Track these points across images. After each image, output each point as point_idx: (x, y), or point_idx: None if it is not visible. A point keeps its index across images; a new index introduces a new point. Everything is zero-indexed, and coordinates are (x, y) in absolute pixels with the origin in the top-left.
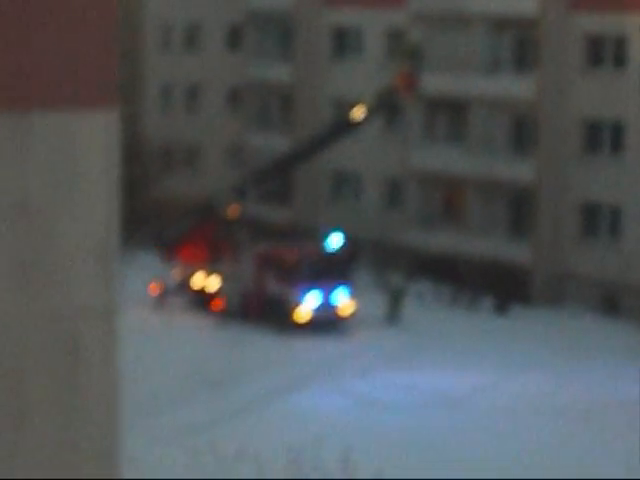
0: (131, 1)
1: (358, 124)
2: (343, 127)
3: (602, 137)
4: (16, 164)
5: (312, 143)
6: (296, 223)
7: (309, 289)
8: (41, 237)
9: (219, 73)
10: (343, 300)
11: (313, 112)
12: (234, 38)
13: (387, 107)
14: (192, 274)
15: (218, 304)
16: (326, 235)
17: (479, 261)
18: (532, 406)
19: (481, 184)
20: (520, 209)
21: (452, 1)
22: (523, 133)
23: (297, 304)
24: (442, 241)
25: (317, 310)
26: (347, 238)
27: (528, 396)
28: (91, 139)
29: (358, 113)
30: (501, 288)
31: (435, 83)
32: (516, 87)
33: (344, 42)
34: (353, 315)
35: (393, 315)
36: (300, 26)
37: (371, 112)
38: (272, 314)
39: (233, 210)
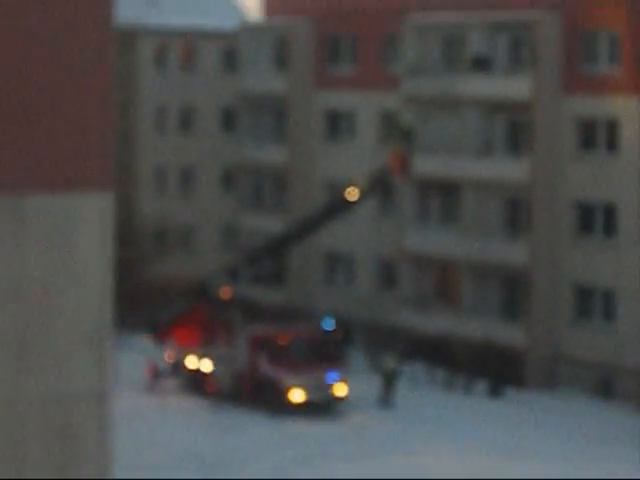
0: (127, 84)
1: (351, 205)
2: (336, 208)
3: (595, 219)
4: (11, 248)
5: (305, 224)
6: (289, 305)
7: (302, 371)
8: (35, 320)
9: (213, 155)
10: (336, 382)
11: (306, 194)
12: (228, 120)
13: (380, 188)
14: (185, 356)
15: (211, 386)
16: (320, 319)
17: (473, 343)
18: None
19: (475, 266)
20: (514, 291)
21: (444, 84)
22: (516, 215)
23: (290, 386)
24: (436, 323)
25: (310, 392)
26: (340, 320)
27: None
28: (86, 222)
29: (351, 194)
30: (495, 371)
31: (428, 165)
32: (509, 170)
33: (337, 124)
34: (347, 397)
35: (386, 398)
36: (293, 108)
37: (364, 193)
38: (265, 396)
39: (226, 292)
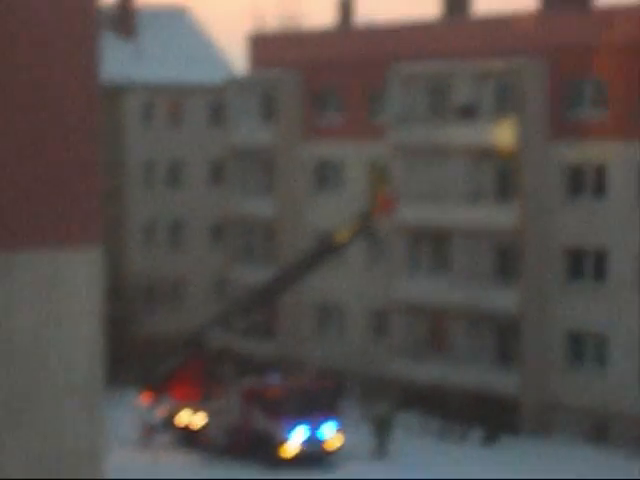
0: (115, 139)
1: (339, 248)
2: (324, 251)
3: (585, 265)
4: (1, 303)
5: (294, 269)
6: (282, 356)
7: (296, 423)
8: (27, 377)
9: (202, 208)
10: (330, 434)
11: (296, 244)
12: (216, 173)
13: (367, 229)
14: (178, 411)
15: (205, 441)
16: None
17: (466, 391)
18: None
19: (466, 313)
20: (506, 338)
21: (431, 132)
22: (507, 262)
23: (284, 439)
24: (429, 371)
25: (304, 444)
26: (333, 370)
27: None
28: (76, 277)
29: (339, 237)
30: (489, 418)
31: (417, 214)
32: (498, 216)
33: (325, 174)
34: (341, 449)
35: (381, 448)
36: (281, 160)
37: (351, 235)
38: (259, 449)
39: (218, 345)
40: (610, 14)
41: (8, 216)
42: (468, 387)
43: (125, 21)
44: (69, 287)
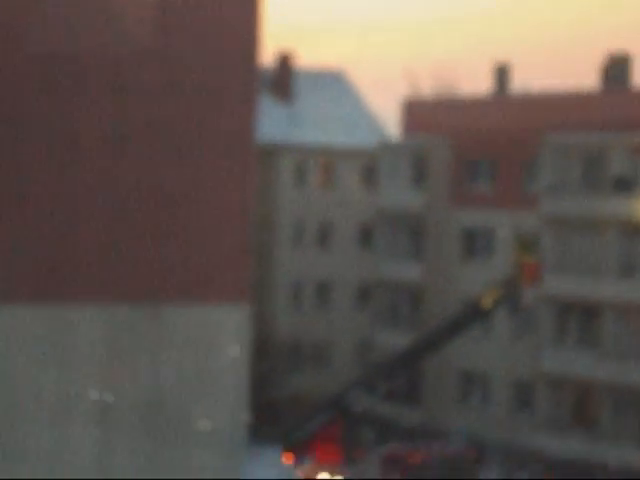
0: (266, 199)
1: (484, 314)
2: (469, 316)
3: None
4: (150, 356)
5: (439, 333)
6: (424, 423)
7: None
8: (171, 427)
9: (349, 270)
10: None
11: (442, 311)
12: (365, 237)
13: (511, 298)
14: (318, 472)
15: None
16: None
17: (611, 468)
18: None
19: (613, 390)
20: None
21: (584, 204)
22: None
23: None
24: (572, 447)
25: None
26: (474, 439)
27: None
28: (222, 333)
29: (484, 302)
30: None
31: (567, 286)
32: None
33: (474, 242)
34: None
35: None
36: (430, 226)
37: (496, 301)
38: None
39: (360, 408)
40: None
41: (161, 269)
42: (611, 464)
43: (283, 84)
44: (215, 342)
